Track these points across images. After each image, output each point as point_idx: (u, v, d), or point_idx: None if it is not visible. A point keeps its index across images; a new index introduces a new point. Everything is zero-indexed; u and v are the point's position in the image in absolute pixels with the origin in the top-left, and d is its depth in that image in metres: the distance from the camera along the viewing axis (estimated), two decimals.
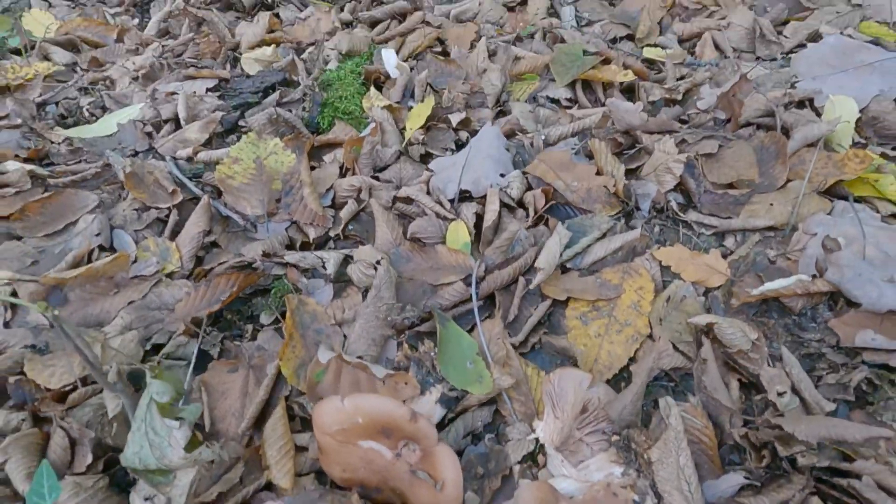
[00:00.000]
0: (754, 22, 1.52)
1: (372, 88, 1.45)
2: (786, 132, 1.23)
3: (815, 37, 1.47)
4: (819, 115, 1.27)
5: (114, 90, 1.64)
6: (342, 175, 1.27)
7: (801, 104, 1.29)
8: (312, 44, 1.71)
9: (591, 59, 1.44)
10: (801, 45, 1.48)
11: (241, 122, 1.42)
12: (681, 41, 1.58)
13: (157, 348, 1.00)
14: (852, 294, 0.92)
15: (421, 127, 1.32)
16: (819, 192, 1.10)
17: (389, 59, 1.45)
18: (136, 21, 2.01)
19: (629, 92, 1.42)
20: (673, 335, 0.93)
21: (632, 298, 0.97)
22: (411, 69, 1.53)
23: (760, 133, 1.23)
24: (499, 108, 1.41)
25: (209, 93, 1.56)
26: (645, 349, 0.91)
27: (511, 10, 1.80)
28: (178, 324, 1.01)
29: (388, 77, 1.50)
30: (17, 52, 1.85)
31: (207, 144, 1.39)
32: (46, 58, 1.79)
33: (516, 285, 1.00)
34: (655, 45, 1.56)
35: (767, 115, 1.26)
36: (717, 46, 1.52)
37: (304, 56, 1.65)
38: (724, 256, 1.03)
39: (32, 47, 1.85)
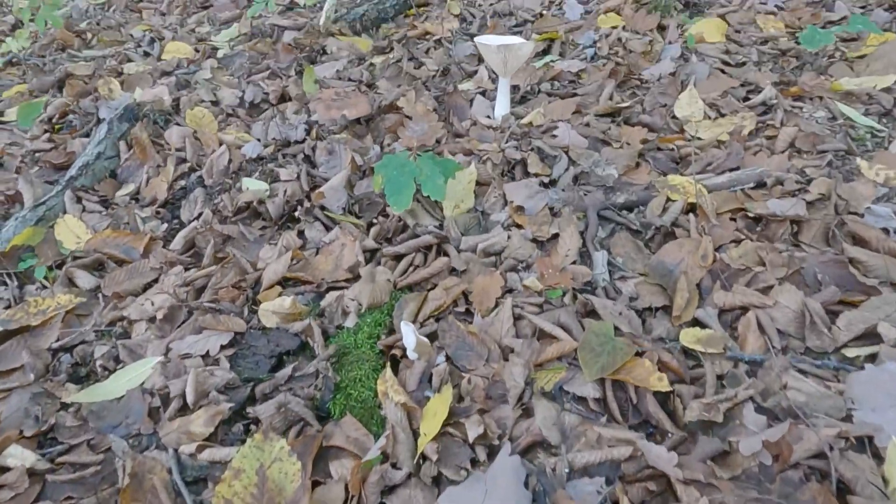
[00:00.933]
0: (803, 304, 1.41)
1: (388, 370, 1.38)
2: (841, 485, 1.10)
3: (872, 334, 1.34)
4: (880, 460, 1.13)
5: (130, 336, 1.61)
6: (347, 501, 1.18)
7: (859, 441, 1.16)
8: (333, 286, 1.66)
9: (623, 347, 1.34)
10: (856, 340, 1.35)
11: (248, 409, 1.36)
12: (722, 312, 1.47)
13: None
14: None
15: (434, 438, 1.23)
16: None
17: (408, 336, 1.38)
18: (166, 226, 2.02)
19: (665, 393, 1.31)
20: None
21: None
22: (431, 340, 1.46)
23: (812, 485, 1.10)
24: (521, 406, 1.31)
25: (223, 351, 1.51)
26: None
27: (541, 244, 1.73)
28: None
29: (405, 353, 1.42)
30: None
31: (213, 436, 1.33)
32: (71, 281, 1.80)
33: None
34: (694, 323, 1.45)
35: (819, 457, 1.13)
36: (761, 328, 1.40)
37: (323, 304, 1.60)
38: None
39: (60, 265, 1.86)
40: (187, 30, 3.63)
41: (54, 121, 2.62)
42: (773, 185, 1.80)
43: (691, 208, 1.77)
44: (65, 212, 2.03)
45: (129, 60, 3.21)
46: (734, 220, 1.71)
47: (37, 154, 2.41)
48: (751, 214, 1.70)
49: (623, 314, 1.48)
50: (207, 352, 1.51)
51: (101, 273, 1.84)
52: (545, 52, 2.83)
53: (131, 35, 3.63)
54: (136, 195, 2.17)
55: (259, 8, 2.89)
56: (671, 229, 1.69)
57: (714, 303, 1.48)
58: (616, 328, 1.42)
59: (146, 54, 3.29)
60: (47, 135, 2.53)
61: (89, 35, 3.62)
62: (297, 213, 1.93)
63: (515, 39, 2.20)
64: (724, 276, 1.55)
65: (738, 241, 1.64)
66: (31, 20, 3.05)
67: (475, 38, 2.19)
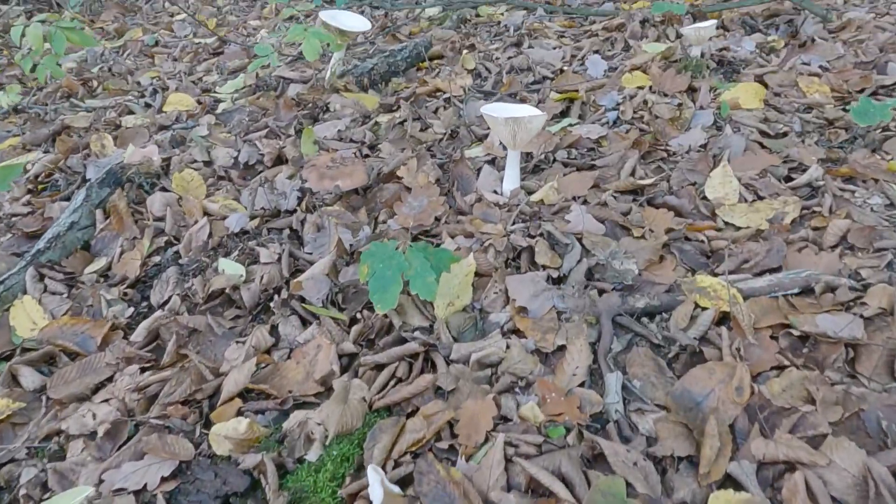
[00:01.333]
0: (865, 467, 1.13)
1: None
2: None
3: None
4: None
5: (65, 455, 1.40)
6: None
7: None
8: (301, 402, 1.44)
9: None
10: None
11: None
12: (761, 465, 1.20)
13: None
14: None
15: None
16: None
17: (375, 488, 1.14)
18: (132, 311, 1.82)
19: None
20: None
21: None
22: (406, 484, 1.22)
23: None
24: None
25: (163, 485, 1.29)
26: None
27: (544, 357, 1.49)
28: None
29: None
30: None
31: None
32: (15, 379, 1.60)
33: None
34: (726, 479, 1.18)
35: None
36: (811, 495, 1.13)
37: (286, 426, 1.37)
38: None
39: (8, 358, 1.67)
40: (194, 78, 3.52)
41: (39, 180, 2.48)
42: (822, 292, 1.52)
43: (723, 317, 1.51)
44: (25, 292, 1.85)
45: (130, 112, 3.08)
46: (775, 338, 1.44)
47: (13, 218, 2.26)
48: (796, 332, 1.43)
49: (638, 465, 1.21)
50: (145, 486, 1.29)
51: (51, 368, 1.65)
52: (563, 113, 2.61)
53: (138, 83, 3.54)
54: (106, 272, 1.99)
55: (261, 62, 2.74)
56: (699, 348, 1.43)
57: (752, 454, 1.21)
58: (629, 485, 1.16)
59: (147, 105, 3.16)
60: (30, 195, 2.39)
61: (95, 83, 3.54)
62: (272, 305, 1.72)
63: (526, 110, 1.99)
64: (763, 416, 1.28)
65: (780, 368, 1.37)
66: (33, 71, 2.95)
67: (481, 109, 1.98)
